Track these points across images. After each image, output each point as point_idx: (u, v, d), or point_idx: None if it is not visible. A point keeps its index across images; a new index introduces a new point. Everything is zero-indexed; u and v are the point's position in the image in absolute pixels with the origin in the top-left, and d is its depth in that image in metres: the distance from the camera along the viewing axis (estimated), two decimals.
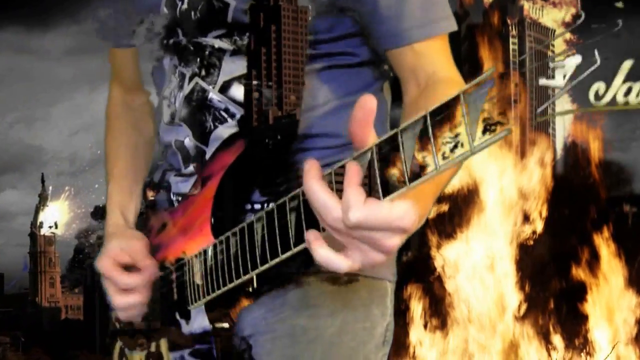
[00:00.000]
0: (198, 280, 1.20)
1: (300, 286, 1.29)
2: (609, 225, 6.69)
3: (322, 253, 0.88)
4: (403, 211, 0.82)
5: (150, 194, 1.48)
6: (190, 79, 1.33)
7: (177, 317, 1.29)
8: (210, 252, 1.17)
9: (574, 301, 6.59)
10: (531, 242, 6.79)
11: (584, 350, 6.61)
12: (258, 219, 1.02)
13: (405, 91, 1.26)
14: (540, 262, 6.69)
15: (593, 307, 6.62)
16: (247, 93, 1.27)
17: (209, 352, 1.26)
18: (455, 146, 0.76)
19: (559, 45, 6.47)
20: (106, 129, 1.58)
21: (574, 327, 6.59)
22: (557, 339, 6.65)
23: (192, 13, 1.31)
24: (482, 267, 6.76)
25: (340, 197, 0.85)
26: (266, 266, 1.02)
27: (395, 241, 0.85)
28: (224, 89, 1.31)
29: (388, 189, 0.82)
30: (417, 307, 6.66)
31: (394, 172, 0.81)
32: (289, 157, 1.23)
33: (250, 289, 1.15)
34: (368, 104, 0.84)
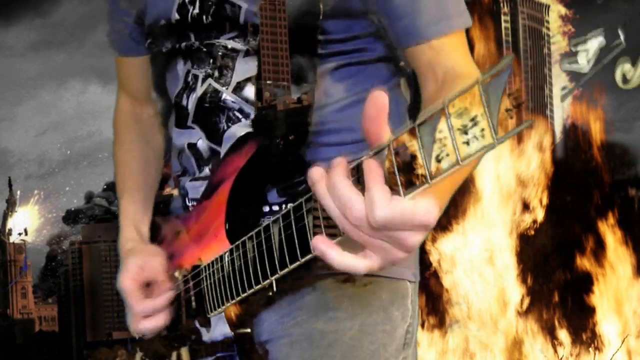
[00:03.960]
0: (216, 287, 1.22)
1: (318, 289, 1.31)
2: (614, 211, 6.52)
3: (338, 258, 0.90)
4: (426, 208, 0.83)
5: (167, 190, 1.53)
6: (203, 80, 1.37)
7: (197, 325, 1.31)
8: (226, 258, 1.18)
9: (579, 293, 6.48)
10: (532, 232, 6.65)
11: (592, 345, 6.49)
12: (274, 222, 1.04)
13: (423, 87, 1.29)
14: (543, 252, 6.70)
15: (600, 298, 6.46)
16: (258, 92, 1.29)
17: (232, 359, 1.27)
18: (477, 138, 0.76)
19: (554, 20, 6.20)
20: (115, 140, 1.61)
21: (580, 321, 6.51)
22: (563, 334, 6.55)
23: (204, 17, 1.34)
24: (480, 260, 6.65)
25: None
26: (286, 270, 1.03)
27: (418, 238, 0.86)
28: (238, 89, 1.35)
29: (408, 185, 0.83)
30: None
31: (414, 168, 0.81)
32: (302, 154, 1.25)
33: (271, 293, 1.14)
34: (380, 99, 0.85)
